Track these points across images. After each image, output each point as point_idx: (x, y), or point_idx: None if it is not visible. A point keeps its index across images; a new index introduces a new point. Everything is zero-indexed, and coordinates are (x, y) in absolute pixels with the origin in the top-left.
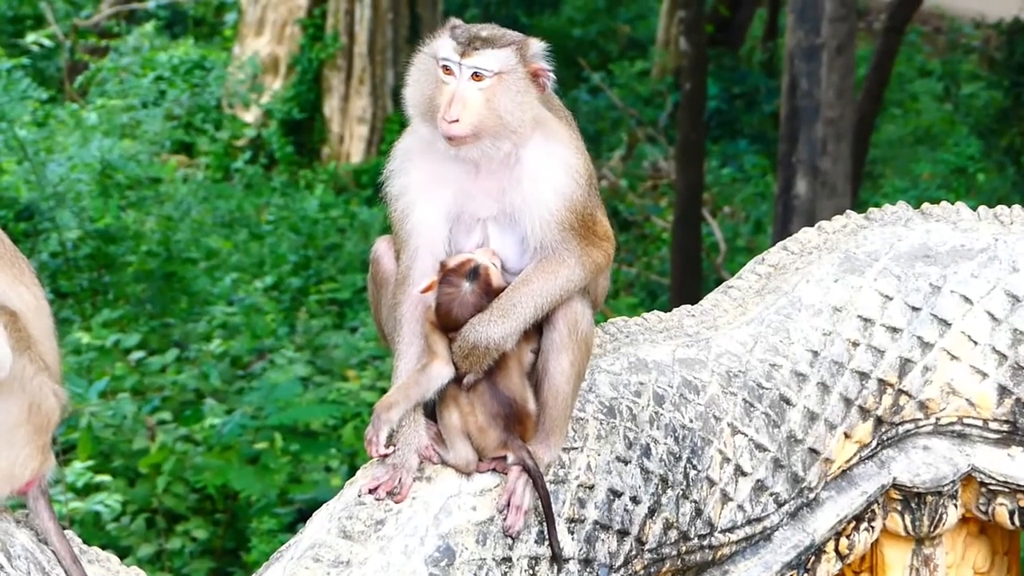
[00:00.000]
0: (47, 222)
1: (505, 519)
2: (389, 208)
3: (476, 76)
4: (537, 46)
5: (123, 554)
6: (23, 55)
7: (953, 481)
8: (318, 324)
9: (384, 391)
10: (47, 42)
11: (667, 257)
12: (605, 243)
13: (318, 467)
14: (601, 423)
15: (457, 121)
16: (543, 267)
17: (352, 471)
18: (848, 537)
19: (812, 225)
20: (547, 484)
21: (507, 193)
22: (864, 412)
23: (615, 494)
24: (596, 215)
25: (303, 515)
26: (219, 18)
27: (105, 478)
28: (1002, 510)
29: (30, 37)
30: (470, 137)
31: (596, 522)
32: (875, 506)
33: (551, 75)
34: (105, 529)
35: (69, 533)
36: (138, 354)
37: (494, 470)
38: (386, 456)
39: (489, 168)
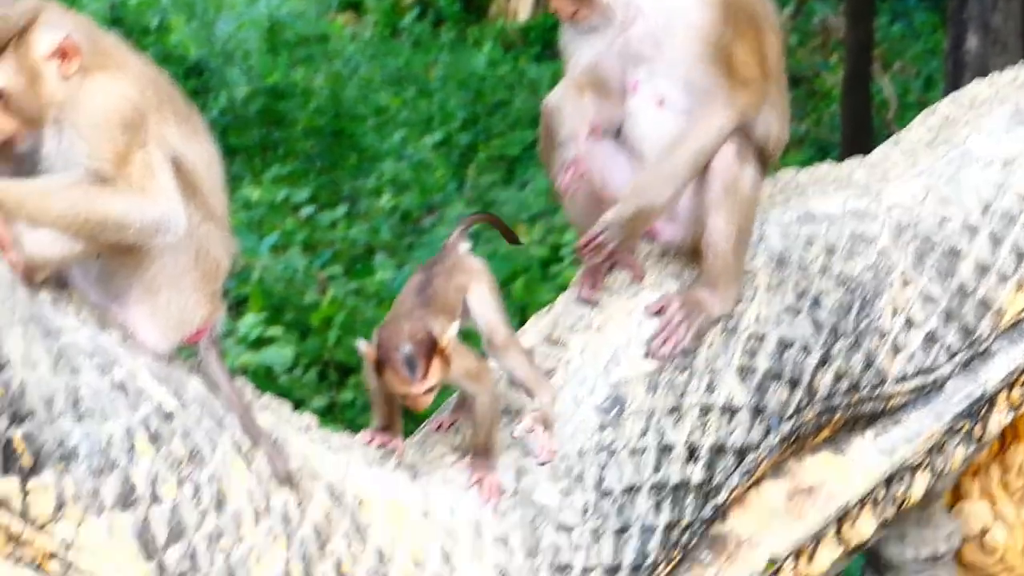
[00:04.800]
0: (217, 80)
1: (654, 343)
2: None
3: None
4: None
5: (295, 406)
6: None
7: None
8: (487, 180)
9: (555, 247)
10: None
11: (837, 113)
12: (751, 85)
13: None
14: (771, 274)
15: None
16: (695, 121)
17: (521, 324)
18: (1021, 387)
19: None
20: (714, 333)
21: (649, 26)
22: None
23: (785, 344)
24: (736, 50)
25: None
26: None
27: (277, 331)
28: None
29: None
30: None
31: (767, 372)
32: None
33: None
34: (277, 382)
35: (240, 380)
36: (308, 209)
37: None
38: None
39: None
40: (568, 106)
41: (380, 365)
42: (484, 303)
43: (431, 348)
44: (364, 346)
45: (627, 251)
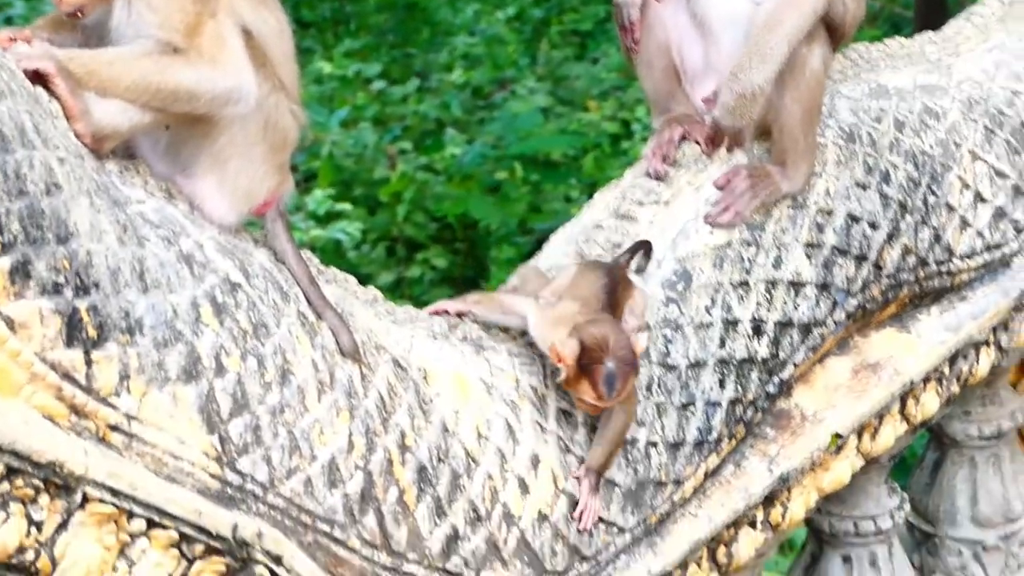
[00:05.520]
0: None
1: (714, 210)
2: None
3: None
4: None
5: (363, 281)
6: None
7: None
8: (559, 55)
9: (626, 122)
10: None
11: None
12: None
13: (558, 197)
14: (840, 149)
15: None
16: (788, 2)
17: (589, 199)
18: None
19: None
20: (782, 208)
21: None
22: None
23: (853, 219)
24: None
25: (542, 244)
26: None
27: (346, 206)
28: None
29: None
30: None
31: (834, 247)
32: None
33: None
34: (346, 257)
35: (306, 254)
36: (379, 84)
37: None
38: None
39: None
40: None
41: (578, 371)
42: (635, 313)
43: (633, 367)
44: (559, 345)
45: (743, 137)
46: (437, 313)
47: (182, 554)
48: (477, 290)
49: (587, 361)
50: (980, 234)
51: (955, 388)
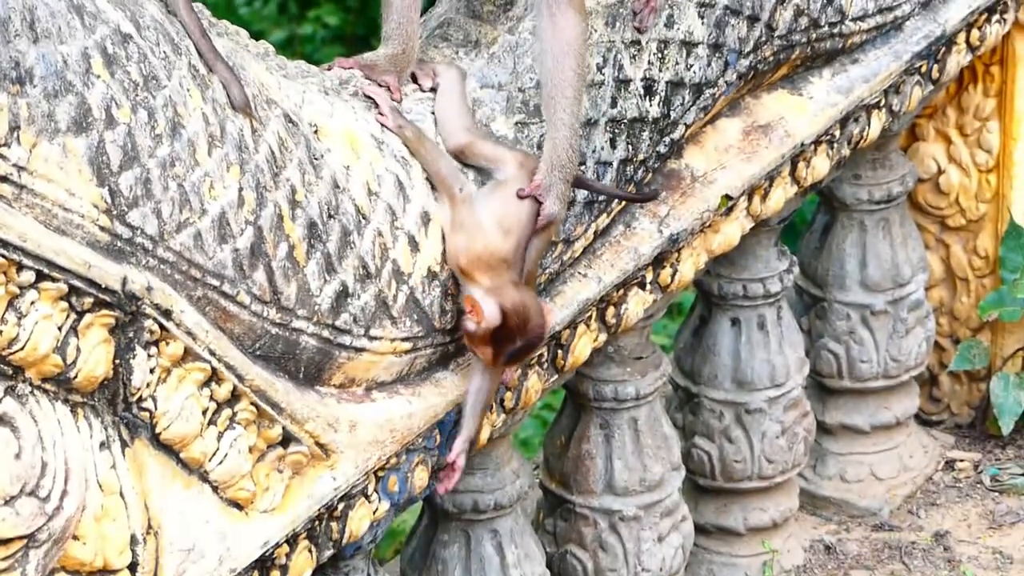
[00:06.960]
0: None
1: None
2: None
3: None
4: None
5: (255, 38)
6: None
7: None
8: None
9: None
10: None
11: None
12: None
13: None
14: None
15: None
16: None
17: None
18: (980, 29)
19: None
20: None
21: None
22: None
23: None
24: None
25: (434, 3)
26: None
27: None
28: None
29: None
30: None
31: (727, 7)
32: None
33: None
34: (237, 13)
35: (198, 6)
36: None
37: None
38: None
39: None
40: None
41: (486, 333)
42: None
43: (538, 347)
44: (481, 302)
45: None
46: (367, 97)
47: (71, 307)
48: (368, 49)
49: (502, 335)
50: None
51: (846, 151)
